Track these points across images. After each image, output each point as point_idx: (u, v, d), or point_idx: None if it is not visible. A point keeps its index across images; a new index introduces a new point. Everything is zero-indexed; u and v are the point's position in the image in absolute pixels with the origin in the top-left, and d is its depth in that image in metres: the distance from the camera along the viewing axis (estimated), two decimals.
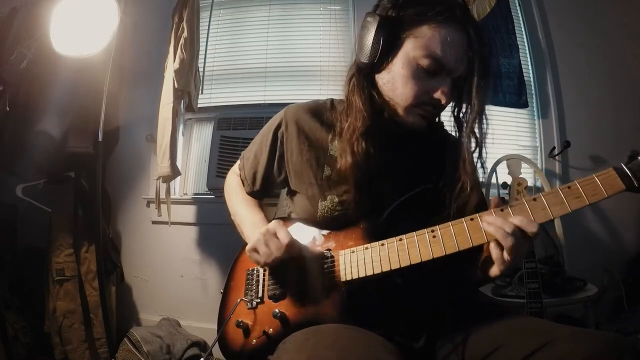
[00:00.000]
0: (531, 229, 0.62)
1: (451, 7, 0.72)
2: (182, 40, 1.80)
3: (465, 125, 0.78)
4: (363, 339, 0.62)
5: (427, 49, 0.72)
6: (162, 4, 2.03)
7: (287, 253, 0.74)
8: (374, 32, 0.74)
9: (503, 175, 1.75)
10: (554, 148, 2.01)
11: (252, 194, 0.96)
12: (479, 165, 0.80)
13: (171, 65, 1.81)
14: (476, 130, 0.77)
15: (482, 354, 0.68)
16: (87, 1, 1.49)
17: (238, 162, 1.00)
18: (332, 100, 0.92)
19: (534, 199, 0.65)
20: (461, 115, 0.80)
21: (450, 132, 0.88)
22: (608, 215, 1.97)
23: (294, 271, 0.78)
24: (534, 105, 2.10)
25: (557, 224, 1.74)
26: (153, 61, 2.04)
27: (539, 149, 2.07)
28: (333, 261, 0.76)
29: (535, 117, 2.10)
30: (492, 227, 0.63)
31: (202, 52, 2.07)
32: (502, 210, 0.66)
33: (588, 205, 0.61)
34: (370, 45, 0.74)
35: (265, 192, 0.97)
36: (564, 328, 0.65)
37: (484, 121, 0.77)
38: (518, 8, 2.16)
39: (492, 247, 0.66)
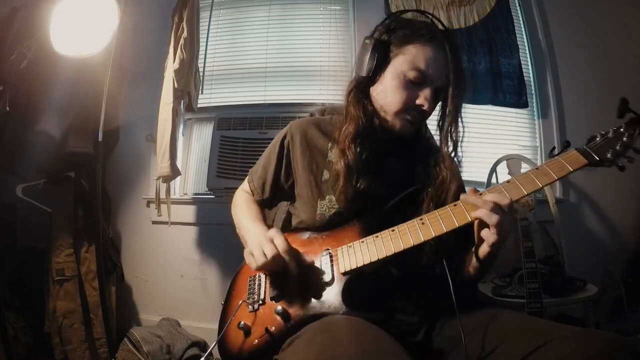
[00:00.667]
0: (503, 201, 0.69)
1: (432, 31, 0.87)
2: (182, 40, 1.80)
3: (443, 129, 0.90)
4: (369, 332, 0.63)
5: (413, 63, 0.85)
6: (162, 4, 2.04)
7: (279, 259, 0.79)
8: (370, 51, 0.88)
9: (503, 175, 1.76)
10: (554, 148, 1.98)
11: (261, 202, 1.04)
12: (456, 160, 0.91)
13: (171, 65, 1.81)
14: (452, 133, 0.88)
15: (482, 353, 0.69)
16: (87, 1, 1.49)
17: (247, 178, 1.08)
18: (331, 116, 1.03)
19: (508, 182, 0.73)
20: (442, 122, 0.91)
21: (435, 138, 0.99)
22: (608, 216, 1.98)
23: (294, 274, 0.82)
24: (534, 105, 2.10)
25: (557, 224, 1.74)
26: (153, 61, 2.04)
27: (539, 149, 2.08)
28: (332, 258, 0.81)
29: (535, 117, 2.10)
30: (479, 212, 0.70)
31: (202, 52, 2.07)
32: (480, 194, 0.74)
33: (556, 180, 0.71)
34: (367, 62, 0.88)
35: (273, 200, 1.05)
36: (563, 328, 0.66)
37: (459, 125, 0.88)
38: (518, 8, 2.16)
39: (478, 227, 0.73)
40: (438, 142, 0.93)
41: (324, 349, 0.59)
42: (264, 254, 0.79)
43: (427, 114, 0.89)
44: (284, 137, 1.00)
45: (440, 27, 0.90)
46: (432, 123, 0.96)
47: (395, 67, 0.87)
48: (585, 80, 2.07)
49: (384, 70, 0.89)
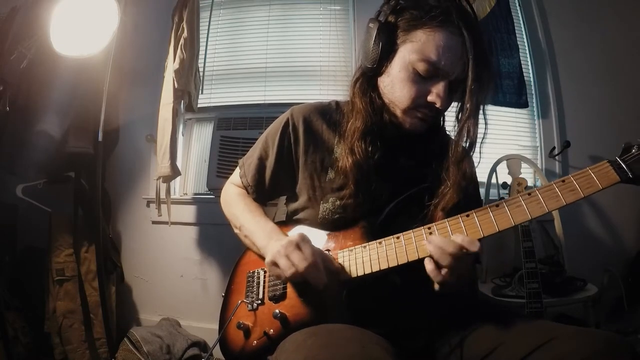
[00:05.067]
0: (472, 248, 0.64)
1: (446, 12, 0.73)
2: (182, 40, 1.80)
3: (460, 126, 0.79)
4: (361, 339, 0.62)
5: (422, 53, 0.73)
6: (162, 4, 2.03)
7: (310, 268, 0.70)
8: (374, 37, 0.76)
9: (503, 175, 1.75)
10: (554, 148, 2.01)
11: (258, 199, 0.93)
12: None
13: (171, 65, 1.81)
14: (470, 132, 0.77)
15: (481, 353, 0.69)
16: (87, 1, 1.49)
17: (237, 171, 0.96)
18: (337, 101, 0.92)
19: (529, 194, 0.66)
20: (460, 117, 0.81)
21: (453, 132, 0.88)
22: (608, 215, 1.97)
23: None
24: (534, 105, 2.10)
25: (557, 224, 1.74)
26: (153, 61, 2.04)
27: (539, 149, 2.07)
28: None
29: (535, 117, 2.10)
30: (431, 246, 0.65)
31: (202, 52, 2.07)
32: (467, 215, 0.68)
33: (583, 197, 0.62)
34: (371, 50, 0.77)
35: (272, 195, 0.96)
36: (563, 327, 0.65)
37: (478, 124, 0.77)
38: (518, 8, 2.16)
39: (426, 261, 0.67)
40: (454, 138, 0.82)
41: (313, 352, 0.58)
42: (292, 263, 0.70)
43: (441, 111, 0.79)
44: (286, 125, 0.88)
45: (457, 5, 0.75)
46: (450, 114, 0.85)
47: (403, 56, 0.75)
48: (585, 80, 2.06)
49: (390, 59, 0.77)
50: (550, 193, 0.64)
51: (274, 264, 0.73)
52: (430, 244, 0.66)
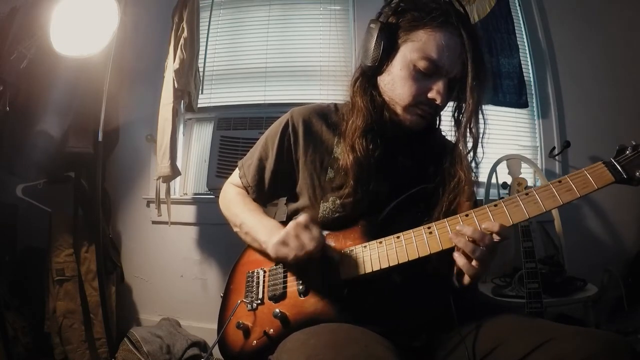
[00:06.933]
0: (494, 228, 0.65)
1: (446, 13, 0.76)
2: (182, 41, 1.80)
3: (461, 125, 0.81)
4: (362, 338, 0.63)
5: (423, 51, 0.76)
6: (162, 4, 2.04)
7: (319, 247, 0.73)
8: (375, 37, 0.79)
9: (503, 175, 1.76)
10: (554, 148, 2.01)
11: (258, 199, 0.94)
12: (473, 164, 0.82)
13: (171, 65, 1.81)
14: (472, 129, 0.79)
15: (482, 353, 0.69)
16: (87, 1, 1.49)
17: (236, 171, 0.97)
18: (335, 104, 0.94)
19: (527, 194, 0.67)
20: (459, 116, 0.83)
21: (451, 132, 0.89)
22: (608, 215, 1.97)
23: (299, 271, 0.79)
24: (534, 105, 2.10)
25: (557, 224, 1.74)
26: (153, 61, 2.04)
27: (539, 149, 2.07)
28: None
29: (535, 117, 2.10)
30: (457, 241, 0.66)
31: (202, 52, 2.07)
32: (466, 215, 0.69)
33: (579, 197, 0.63)
34: (373, 49, 0.79)
35: (272, 196, 0.97)
36: (563, 327, 0.66)
37: (479, 121, 0.79)
38: (518, 8, 2.16)
39: (457, 255, 0.68)
40: (454, 139, 0.84)
41: (315, 352, 0.58)
42: (302, 242, 0.72)
43: (440, 107, 0.81)
44: (285, 127, 0.89)
45: (455, 8, 0.78)
46: (446, 114, 0.87)
47: (404, 55, 0.78)
48: (585, 80, 2.07)
49: (391, 58, 0.80)
50: (547, 193, 0.65)
51: (284, 243, 0.74)
52: (457, 236, 0.67)
